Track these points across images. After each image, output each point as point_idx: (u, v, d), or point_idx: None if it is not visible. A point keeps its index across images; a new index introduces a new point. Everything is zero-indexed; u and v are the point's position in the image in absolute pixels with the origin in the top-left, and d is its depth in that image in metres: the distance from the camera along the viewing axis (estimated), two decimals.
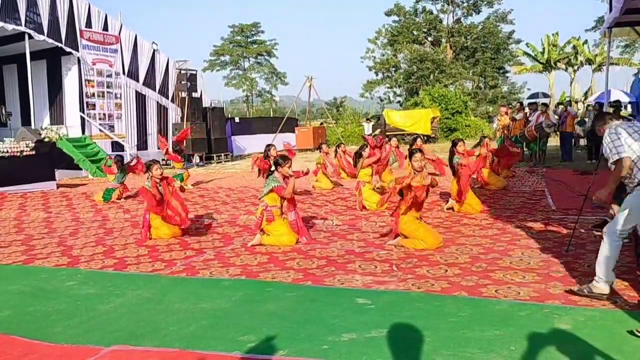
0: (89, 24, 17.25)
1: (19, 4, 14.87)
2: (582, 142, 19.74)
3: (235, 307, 4.27)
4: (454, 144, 8.53)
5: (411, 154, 6.34)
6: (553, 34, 39.70)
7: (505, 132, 15.83)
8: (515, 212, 7.85)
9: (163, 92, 20.38)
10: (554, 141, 17.31)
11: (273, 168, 6.63)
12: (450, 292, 4.35)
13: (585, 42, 38.41)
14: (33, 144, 13.30)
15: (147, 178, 7.20)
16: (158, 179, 7.11)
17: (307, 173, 8.11)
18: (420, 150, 6.52)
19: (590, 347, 3.25)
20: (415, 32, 42.66)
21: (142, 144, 19.40)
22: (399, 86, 43.93)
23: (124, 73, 18.60)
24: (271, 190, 6.36)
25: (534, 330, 3.51)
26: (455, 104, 31.48)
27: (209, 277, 5.15)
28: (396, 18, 43.15)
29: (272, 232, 6.32)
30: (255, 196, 10.46)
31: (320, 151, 12.45)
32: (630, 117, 18.63)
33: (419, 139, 12.07)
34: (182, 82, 19.75)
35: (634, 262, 4.86)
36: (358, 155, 9.04)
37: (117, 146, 17.77)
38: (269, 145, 10.11)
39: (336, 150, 12.89)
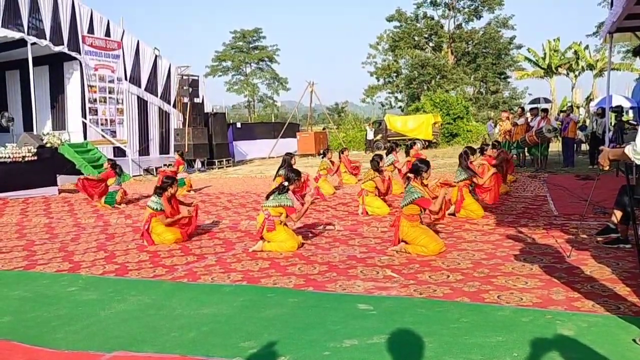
0: (91, 29, 17.33)
1: (22, 10, 14.95)
2: (584, 147, 19.75)
3: (236, 312, 4.26)
4: (465, 156, 8.50)
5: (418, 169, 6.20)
6: (554, 40, 39.76)
7: (507, 137, 15.85)
8: (517, 218, 7.83)
9: (165, 97, 20.44)
10: (555, 146, 17.31)
11: (286, 183, 6.60)
12: (453, 298, 4.34)
13: (587, 47, 38.49)
14: (35, 150, 13.34)
15: (157, 196, 7.20)
16: (169, 196, 7.21)
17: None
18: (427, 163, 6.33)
19: (594, 354, 3.23)
20: (416, 38, 42.82)
21: (143, 150, 19.44)
22: (401, 91, 44.08)
23: (126, 79, 18.66)
24: (282, 207, 6.36)
25: (536, 337, 3.49)
26: (456, 109, 31.53)
27: (211, 283, 5.14)
28: (397, 24, 43.34)
29: (273, 239, 6.31)
30: (256, 201, 10.45)
31: (324, 157, 12.47)
32: (633, 123, 18.64)
33: (416, 145, 12.27)
34: (184, 88, 19.79)
35: (638, 268, 4.84)
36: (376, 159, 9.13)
37: (118, 151, 17.81)
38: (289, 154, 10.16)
39: (340, 154, 12.97)
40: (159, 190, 7.20)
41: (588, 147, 17.12)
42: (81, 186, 11.44)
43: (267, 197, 6.59)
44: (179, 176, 12.58)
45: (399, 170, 11.37)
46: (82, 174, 15.38)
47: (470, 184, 8.34)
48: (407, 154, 12.39)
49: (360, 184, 9.50)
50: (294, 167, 8.93)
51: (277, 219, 6.34)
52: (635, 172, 7.88)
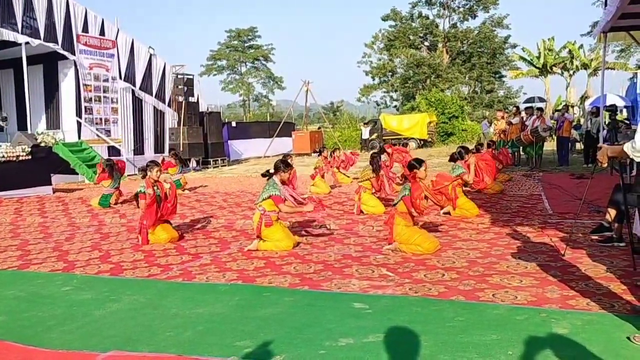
0: (85, 28, 17.25)
1: (16, 9, 14.86)
2: (578, 146, 19.82)
3: (232, 312, 4.26)
4: (461, 155, 8.52)
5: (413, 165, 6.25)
6: (549, 39, 39.87)
7: (502, 136, 15.90)
8: (512, 216, 7.85)
9: (160, 96, 20.37)
10: (550, 145, 17.37)
11: (272, 171, 6.58)
12: (448, 297, 4.34)
13: (581, 46, 38.61)
14: (29, 149, 13.27)
15: (143, 181, 7.14)
16: (153, 180, 7.11)
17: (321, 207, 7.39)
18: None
19: (588, 352, 3.24)
20: (411, 37, 42.83)
21: (138, 149, 19.38)
22: (396, 91, 44.08)
23: (120, 77, 18.59)
24: (269, 197, 6.35)
25: (531, 335, 3.50)
26: (451, 109, 31.58)
27: (206, 282, 5.13)
28: (393, 23, 43.34)
29: (269, 237, 6.30)
30: (252, 200, 10.44)
31: (319, 155, 12.47)
32: (627, 121, 18.72)
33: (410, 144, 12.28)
34: (179, 87, 19.74)
35: (631, 266, 4.86)
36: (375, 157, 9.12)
37: (113, 151, 17.76)
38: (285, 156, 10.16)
39: (331, 154, 12.97)
40: (143, 174, 7.19)
41: (582, 146, 17.18)
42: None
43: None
44: (174, 177, 12.53)
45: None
46: (77, 173, 15.39)
47: (464, 184, 8.37)
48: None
49: (357, 181, 9.49)
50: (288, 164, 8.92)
51: (274, 214, 6.34)
52: (630, 170, 7.91)
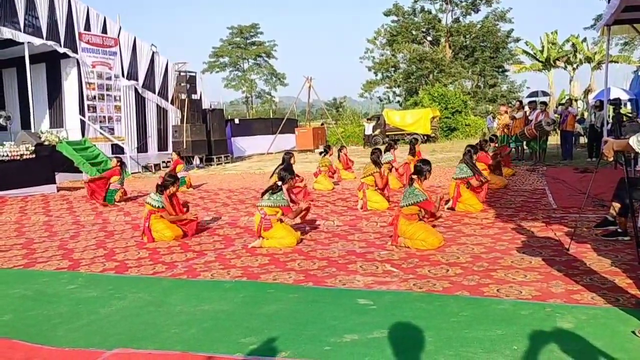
0: (87, 26, 17.26)
1: (18, 8, 14.88)
2: (582, 140, 19.76)
3: (236, 309, 4.27)
4: (470, 154, 8.54)
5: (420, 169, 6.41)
6: (552, 32, 39.74)
7: (506, 131, 15.86)
8: (516, 211, 7.84)
9: (162, 94, 20.37)
10: (554, 140, 17.31)
11: (280, 183, 6.62)
12: (452, 292, 4.34)
13: (584, 40, 38.46)
14: (33, 148, 13.32)
15: (158, 194, 7.16)
16: (171, 193, 7.20)
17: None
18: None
19: (593, 346, 3.24)
20: (414, 32, 42.74)
21: (142, 147, 19.40)
22: (399, 86, 43.99)
23: (123, 75, 18.60)
24: (278, 207, 6.40)
25: (536, 330, 3.50)
26: (454, 103, 31.51)
27: (210, 279, 5.15)
28: (395, 18, 43.24)
29: (271, 236, 6.32)
30: (255, 197, 10.45)
31: (325, 154, 12.47)
32: (631, 115, 18.64)
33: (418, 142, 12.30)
34: (182, 84, 19.74)
35: (636, 260, 4.85)
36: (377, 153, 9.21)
37: (117, 149, 17.79)
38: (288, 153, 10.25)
39: (338, 153, 13.01)
40: (161, 188, 7.19)
41: (586, 140, 17.13)
42: (90, 192, 11.09)
43: (262, 195, 6.61)
44: (179, 175, 12.59)
45: (396, 170, 11.33)
46: (81, 171, 15.43)
47: (467, 183, 8.33)
48: (412, 150, 12.11)
49: (360, 178, 9.47)
50: (292, 166, 8.98)
51: (274, 217, 6.36)
52: (635, 164, 7.89)
